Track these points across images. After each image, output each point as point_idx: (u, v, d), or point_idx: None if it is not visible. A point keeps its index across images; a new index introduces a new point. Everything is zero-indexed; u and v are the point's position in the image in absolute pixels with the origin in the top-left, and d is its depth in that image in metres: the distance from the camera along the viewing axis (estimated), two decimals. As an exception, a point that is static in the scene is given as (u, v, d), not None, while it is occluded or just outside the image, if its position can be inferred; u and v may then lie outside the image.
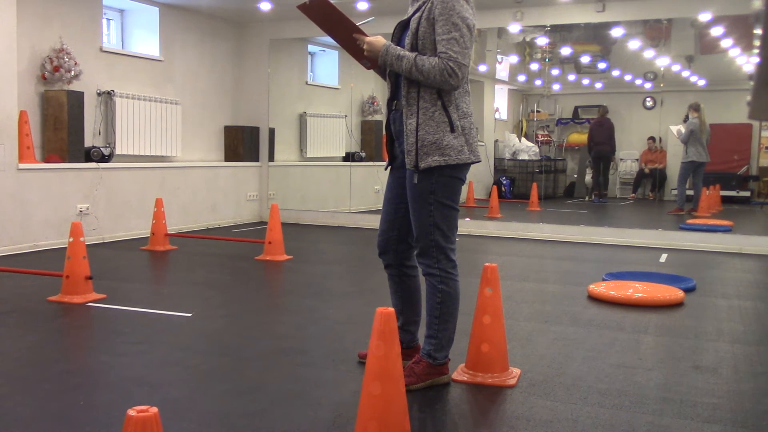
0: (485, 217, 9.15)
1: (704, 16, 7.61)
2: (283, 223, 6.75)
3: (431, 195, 2.87)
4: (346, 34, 2.97)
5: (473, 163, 2.92)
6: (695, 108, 9.30)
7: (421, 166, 2.83)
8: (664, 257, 6.76)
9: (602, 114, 10.68)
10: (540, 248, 7.33)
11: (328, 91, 10.40)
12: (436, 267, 2.92)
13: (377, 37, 2.92)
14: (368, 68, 3.05)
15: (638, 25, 9.04)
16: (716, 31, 8.69)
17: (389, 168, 3.16)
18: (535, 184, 10.27)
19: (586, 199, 11.02)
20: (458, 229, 3.02)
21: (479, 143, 11.79)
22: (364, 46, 2.91)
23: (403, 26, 3.00)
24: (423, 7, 2.85)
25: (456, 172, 2.89)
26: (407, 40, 2.90)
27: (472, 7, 2.86)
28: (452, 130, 2.83)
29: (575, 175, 11.53)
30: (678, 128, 9.53)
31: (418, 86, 2.85)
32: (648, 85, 10.42)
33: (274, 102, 9.49)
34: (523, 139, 11.37)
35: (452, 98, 2.85)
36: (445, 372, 3.01)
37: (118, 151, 7.47)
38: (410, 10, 2.98)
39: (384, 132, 3.14)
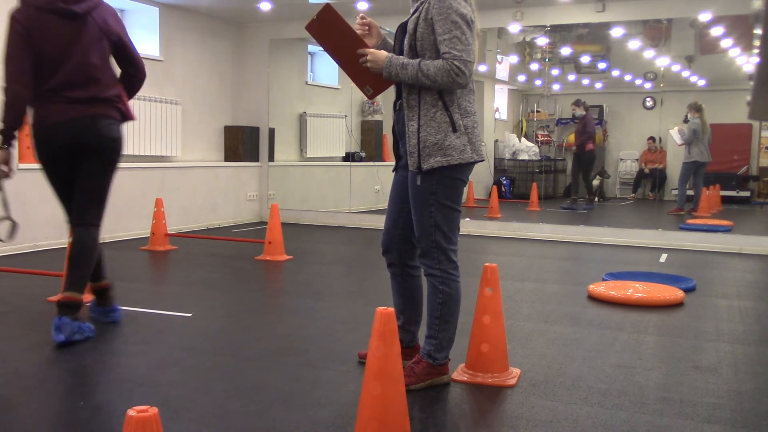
0: (485, 217, 9.15)
1: (704, 16, 7.61)
2: (283, 223, 6.75)
3: (432, 196, 2.87)
4: (350, 54, 2.91)
5: (476, 162, 2.92)
6: (696, 108, 9.29)
7: (424, 167, 2.83)
8: (664, 257, 6.76)
9: (587, 108, 10.26)
10: (540, 248, 7.33)
11: (328, 91, 10.40)
12: (438, 268, 2.92)
13: (380, 50, 2.90)
14: (370, 97, 3.01)
15: (638, 25, 9.04)
16: (716, 31, 8.69)
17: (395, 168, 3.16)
18: (535, 184, 10.26)
19: (577, 199, 10.90)
20: (459, 230, 3.02)
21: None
22: (369, 59, 2.85)
23: (405, 28, 2.99)
24: (420, 8, 2.85)
25: (458, 173, 2.89)
26: (406, 41, 2.89)
27: (470, 3, 2.85)
28: (454, 130, 2.83)
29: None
30: (679, 128, 9.50)
31: (419, 87, 2.85)
32: (648, 85, 10.42)
33: (274, 102, 9.49)
34: (523, 139, 11.37)
35: (454, 98, 2.85)
36: (445, 372, 3.01)
37: (118, 151, 7.46)
38: (411, 11, 2.97)
39: (391, 133, 3.13)
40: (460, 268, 3.00)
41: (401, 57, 2.84)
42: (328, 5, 2.87)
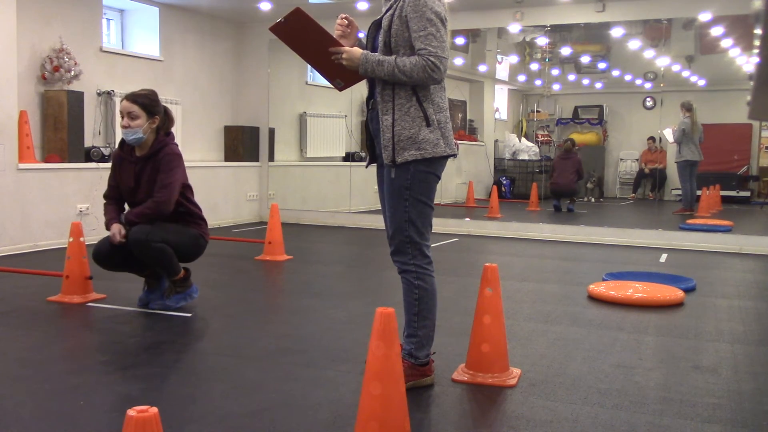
0: (485, 217, 9.15)
1: (704, 16, 7.61)
2: (283, 223, 6.75)
3: (407, 191, 2.89)
4: (320, 52, 2.91)
5: (449, 156, 2.92)
6: (687, 107, 9.28)
7: (398, 160, 2.85)
8: (664, 257, 6.76)
9: (567, 149, 10.27)
10: (540, 248, 7.33)
11: (328, 91, 10.38)
12: (412, 263, 2.93)
13: (354, 48, 2.89)
14: (340, 89, 3.03)
15: (638, 25, 9.04)
16: (716, 31, 8.69)
17: (375, 166, 3.16)
18: (535, 184, 10.26)
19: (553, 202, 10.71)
20: (432, 226, 3.02)
21: (479, 143, 11.68)
22: (344, 56, 2.84)
23: (378, 25, 2.98)
24: (395, 5, 2.86)
25: (432, 168, 2.90)
26: (380, 38, 2.89)
27: (443, 2, 2.86)
28: (428, 125, 2.85)
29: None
30: (673, 128, 9.50)
31: (393, 83, 2.85)
32: (648, 85, 10.41)
33: (274, 102, 9.49)
34: (523, 139, 11.36)
35: (428, 93, 2.86)
36: (427, 374, 2.98)
37: (118, 151, 7.46)
38: (383, 9, 2.98)
39: (365, 130, 3.13)
40: (460, 268, 2.99)
41: (376, 54, 2.85)
42: (298, 9, 2.86)
